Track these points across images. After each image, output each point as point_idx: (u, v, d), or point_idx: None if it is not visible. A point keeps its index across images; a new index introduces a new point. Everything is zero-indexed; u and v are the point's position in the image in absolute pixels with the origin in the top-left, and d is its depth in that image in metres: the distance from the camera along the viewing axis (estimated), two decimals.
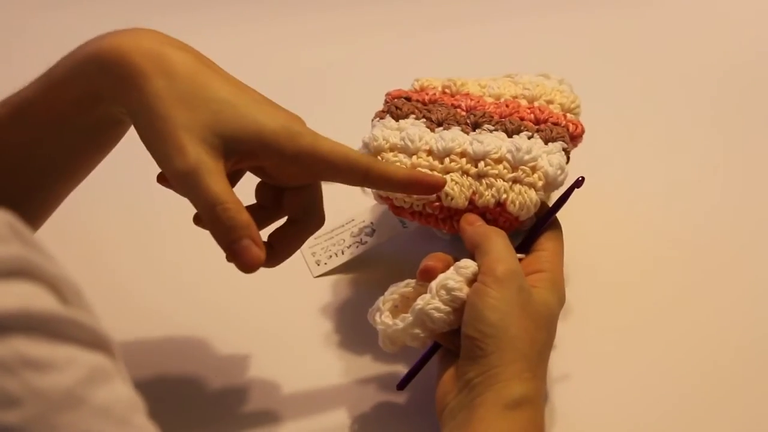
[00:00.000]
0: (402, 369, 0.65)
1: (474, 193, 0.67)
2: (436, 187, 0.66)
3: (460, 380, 0.59)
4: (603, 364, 0.70)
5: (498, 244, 0.62)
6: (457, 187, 0.67)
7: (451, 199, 0.67)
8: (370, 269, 0.78)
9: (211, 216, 0.56)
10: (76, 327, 0.36)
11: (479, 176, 0.67)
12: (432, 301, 0.61)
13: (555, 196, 0.68)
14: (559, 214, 0.67)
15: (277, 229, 0.64)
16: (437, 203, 0.68)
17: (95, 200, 0.87)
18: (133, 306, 0.75)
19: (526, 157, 0.66)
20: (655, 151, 0.92)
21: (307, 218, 0.64)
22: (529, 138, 0.69)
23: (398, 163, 0.68)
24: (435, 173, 0.67)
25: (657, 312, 0.74)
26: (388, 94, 0.76)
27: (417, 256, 0.65)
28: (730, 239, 0.81)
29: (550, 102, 0.73)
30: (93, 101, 0.59)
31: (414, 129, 0.70)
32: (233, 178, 0.61)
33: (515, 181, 0.66)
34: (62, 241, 0.65)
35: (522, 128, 0.69)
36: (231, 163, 0.58)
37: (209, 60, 0.60)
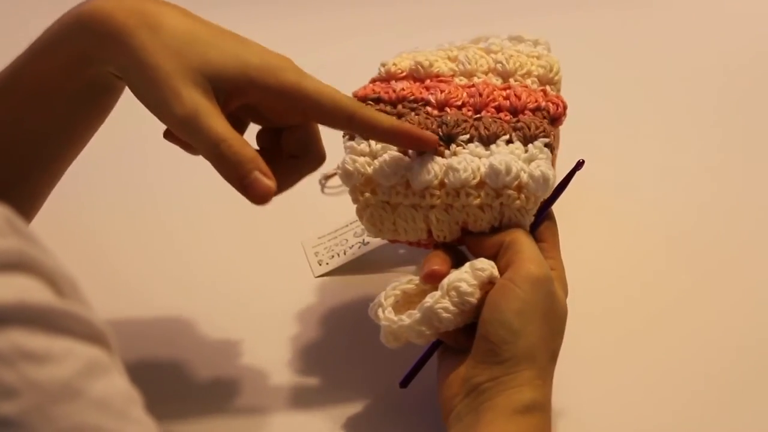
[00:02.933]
0: (403, 367, 0.65)
1: (464, 222, 0.64)
2: (427, 144, 0.63)
3: (468, 383, 0.58)
4: (601, 364, 0.69)
5: (529, 244, 0.61)
6: (446, 227, 0.64)
7: (444, 238, 0.65)
8: (372, 270, 0.78)
9: (216, 155, 0.56)
10: (73, 320, 0.36)
11: (464, 207, 0.64)
12: (441, 301, 0.60)
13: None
14: (558, 215, 0.66)
15: (278, 161, 0.63)
16: (429, 238, 0.66)
17: (92, 195, 0.87)
18: (132, 302, 0.75)
19: (507, 179, 0.62)
20: (654, 150, 0.92)
21: (305, 155, 0.64)
22: (508, 143, 0.65)
23: (381, 202, 0.65)
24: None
25: (656, 312, 0.73)
26: (354, 95, 0.69)
27: (419, 257, 0.65)
28: (730, 239, 0.81)
29: (527, 75, 0.69)
30: (80, 65, 0.59)
31: (387, 158, 0.65)
32: (235, 127, 0.60)
33: (502, 204, 0.63)
34: (57, 232, 0.65)
35: (500, 133, 0.65)
36: (222, 102, 0.58)
37: (190, 12, 0.60)
